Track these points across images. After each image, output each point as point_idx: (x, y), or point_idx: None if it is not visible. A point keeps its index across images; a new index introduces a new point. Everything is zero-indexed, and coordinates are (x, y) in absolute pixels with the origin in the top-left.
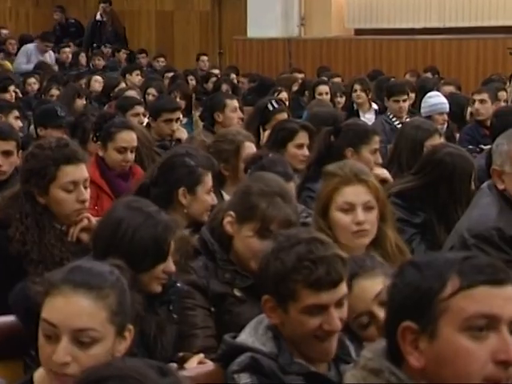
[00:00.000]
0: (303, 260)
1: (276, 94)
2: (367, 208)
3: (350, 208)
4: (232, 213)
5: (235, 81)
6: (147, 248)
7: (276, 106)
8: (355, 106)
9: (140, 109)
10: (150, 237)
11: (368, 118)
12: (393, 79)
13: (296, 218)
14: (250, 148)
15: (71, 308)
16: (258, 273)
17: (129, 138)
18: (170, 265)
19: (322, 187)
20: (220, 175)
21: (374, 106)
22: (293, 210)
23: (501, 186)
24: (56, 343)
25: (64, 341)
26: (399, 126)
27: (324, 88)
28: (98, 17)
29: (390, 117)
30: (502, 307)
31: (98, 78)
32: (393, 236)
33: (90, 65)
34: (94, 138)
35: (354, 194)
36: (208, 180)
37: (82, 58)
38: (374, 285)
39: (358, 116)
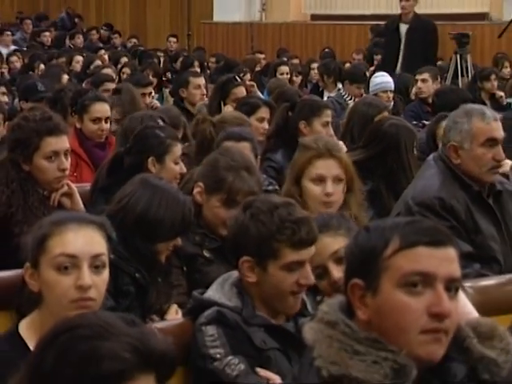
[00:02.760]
0: (285, 221)
1: (242, 75)
2: (336, 181)
3: (320, 180)
4: (201, 184)
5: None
6: (175, 222)
7: (234, 81)
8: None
9: (110, 85)
10: (180, 213)
11: (330, 96)
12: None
13: (259, 188)
14: None
15: (85, 238)
16: (233, 237)
17: (102, 108)
18: (179, 239)
19: (296, 158)
20: None
21: (339, 85)
22: (256, 181)
23: (456, 161)
24: (73, 273)
25: (85, 266)
26: (350, 103)
27: (285, 68)
28: None
29: (344, 96)
30: (437, 266)
31: (79, 58)
32: (355, 207)
33: (70, 45)
34: (72, 113)
35: (326, 167)
36: (176, 150)
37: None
38: (334, 243)
39: (322, 95)
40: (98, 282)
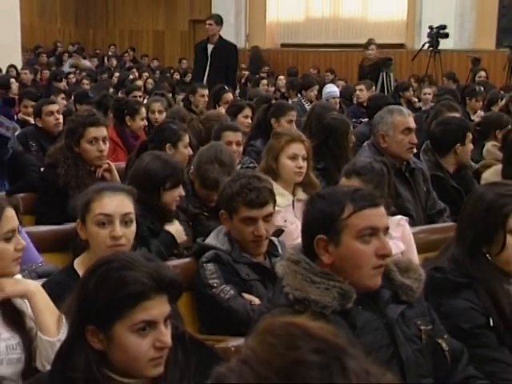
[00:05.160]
0: (244, 188)
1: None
2: (304, 159)
3: (294, 157)
4: (192, 168)
5: None
6: (167, 172)
7: (223, 89)
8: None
9: (137, 93)
10: (171, 168)
11: (293, 101)
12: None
13: (227, 175)
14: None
15: (118, 201)
16: (217, 196)
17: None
18: (182, 191)
19: (272, 142)
20: None
21: (299, 95)
22: (225, 171)
23: (384, 145)
24: (109, 228)
25: (117, 222)
26: (308, 106)
27: (265, 81)
28: None
29: (303, 101)
30: (379, 221)
31: (117, 73)
32: (311, 176)
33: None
34: (113, 114)
35: (298, 148)
36: (186, 138)
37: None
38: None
39: (287, 101)
40: (127, 233)
